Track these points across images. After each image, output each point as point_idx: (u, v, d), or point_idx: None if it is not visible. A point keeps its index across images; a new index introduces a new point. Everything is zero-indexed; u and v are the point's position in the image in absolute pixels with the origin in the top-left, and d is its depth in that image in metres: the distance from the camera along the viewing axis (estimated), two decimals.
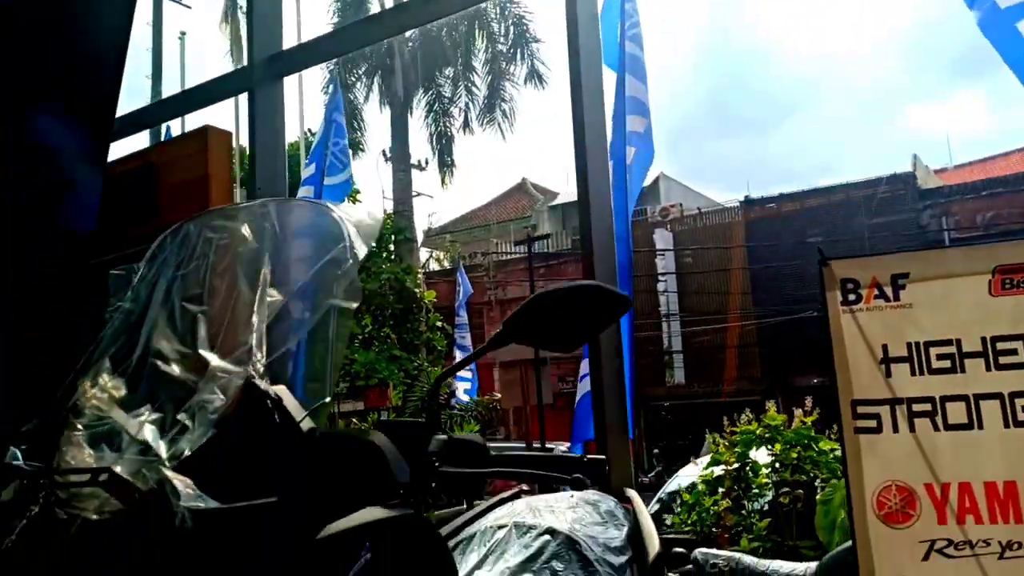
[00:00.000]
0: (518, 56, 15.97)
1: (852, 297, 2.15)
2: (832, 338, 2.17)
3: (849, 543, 3.97)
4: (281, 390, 0.97)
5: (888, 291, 2.13)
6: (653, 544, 1.82)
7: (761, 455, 4.89)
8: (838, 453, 4.67)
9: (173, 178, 2.67)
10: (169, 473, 0.89)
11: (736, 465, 4.80)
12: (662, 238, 15.26)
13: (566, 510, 1.54)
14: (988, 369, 2.02)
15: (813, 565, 3.95)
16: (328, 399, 1.08)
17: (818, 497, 4.33)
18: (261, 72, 3.09)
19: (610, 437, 2.38)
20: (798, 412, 4.76)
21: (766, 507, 4.73)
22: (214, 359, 1.01)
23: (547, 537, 1.38)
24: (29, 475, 1.01)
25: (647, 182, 6.37)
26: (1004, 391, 1.99)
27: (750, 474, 4.80)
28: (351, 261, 1.09)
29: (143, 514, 0.90)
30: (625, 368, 2.81)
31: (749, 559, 4.17)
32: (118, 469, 0.92)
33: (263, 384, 0.97)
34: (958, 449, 2.01)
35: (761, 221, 15.72)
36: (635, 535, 1.83)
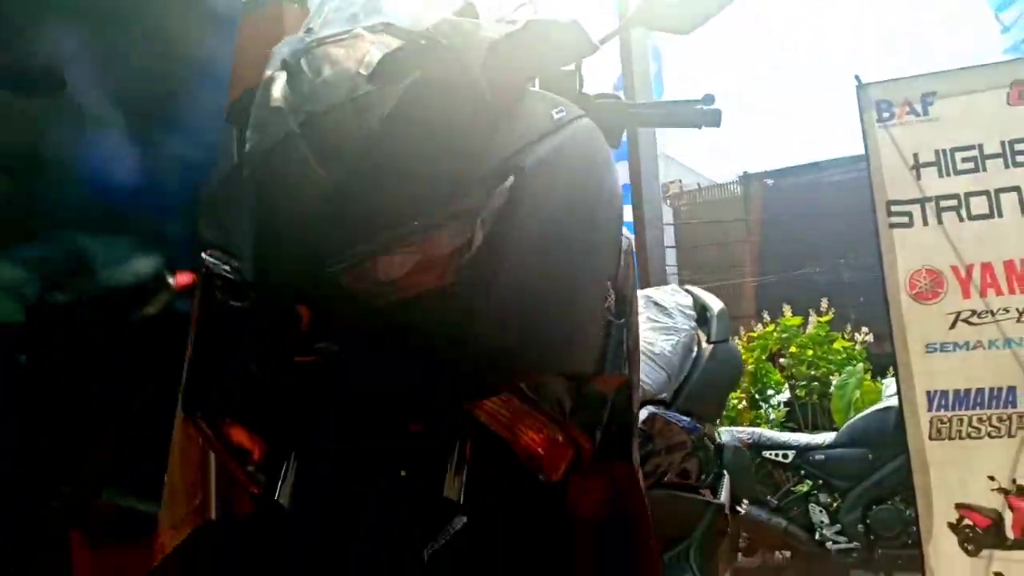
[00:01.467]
0: None
1: (886, 115, 2.45)
2: (868, 152, 2.46)
3: (870, 408, 4.28)
4: None
5: (918, 108, 2.42)
6: (716, 303, 2.11)
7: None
8: (852, 350, 4.99)
9: None
10: None
11: (753, 367, 5.10)
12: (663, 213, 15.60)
13: None
14: (1007, 167, 2.31)
15: (831, 435, 4.26)
16: None
17: (834, 382, 4.64)
18: None
19: None
20: (814, 316, 5.08)
21: (782, 405, 5.04)
22: None
23: None
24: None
25: None
26: (1021, 185, 2.29)
27: (766, 375, 5.09)
28: None
29: None
30: None
31: (770, 432, 4.48)
32: None
33: None
34: (980, 236, 2.30)
35: (759, 195, 16.02)
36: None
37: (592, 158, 1.09)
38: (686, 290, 2.21)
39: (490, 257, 0.94)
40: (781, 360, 5.04)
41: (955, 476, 2.17)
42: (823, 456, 4.11)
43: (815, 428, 4.77)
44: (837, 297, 6.11)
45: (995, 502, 2.13)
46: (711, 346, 1.98)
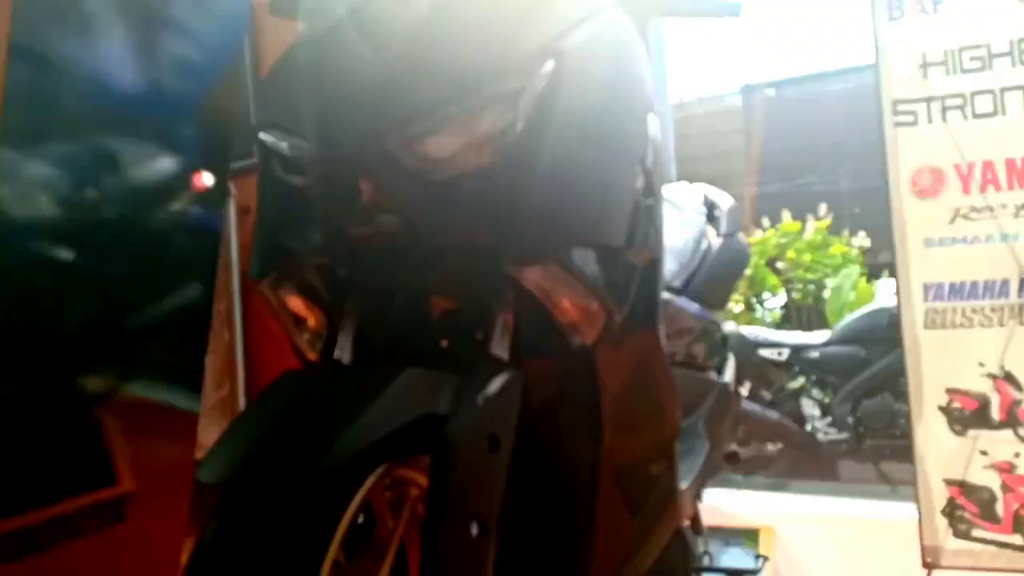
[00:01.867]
0: None
1: (897, 12, 2.46)
2: (877, 51, 2.49)
3: (865, 309, 4.42)
4: None
5: (928, 5, 2.43)
6: (726, 198, 2.17)
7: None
8: (848, 254, 5.11)
9: None
10: None
11: (750, 272, 5.20)
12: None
13: None
14: (1013, 65, 2.35)
15: (826, 334, 4.41)
16: None
17: (830, 284, 4.77)
18: None
19: None
20: (812, 220, 5.16)
21: (778, 308, 5.19)
22: None
23: None
24: None
25: None
26: None
27: (763, 280, 5.21)
28: None
29: None
30: None
31: (766, 331, 4.63)
32: None
33: None
34: (984, 134, 2.36)
35: (759, 107, 15.80)
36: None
37: (625, 44, 1.15)
38: (697, 187, 2.28)
39: (533, 137, 1.01)
40: (779, 264, 5.15)
41: (946, 363, 2.29)
42: (817, 354, 4.27)
43: (809, 329, 4.92)
44: (835, 205, 6.17)
45: (983, 387, 2.26)
46: (721, 239, 2.07)
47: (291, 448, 0.82)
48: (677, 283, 1.87)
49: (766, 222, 5.39)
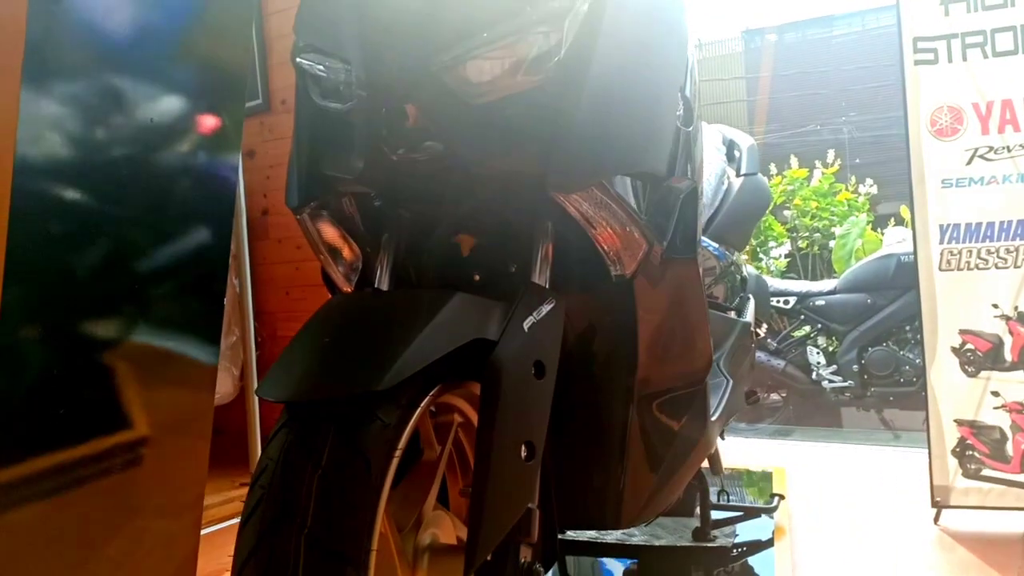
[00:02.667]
0: None
1: None
2: None
3: (872, 256, 4.42)
4: None
5: None
6: (746, 138, 2.15)
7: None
8: (855, 203, 5.10)
9: None
10: None
11: None
12: None
13: None
14: None
15: (832, 282, 4.42)
16: None
17: (836, 233, 4.77)
18: None
19: None
20: (820, 167, 5.13)
21: (783, 256, 5.20)
22: None
23: None
24: None
25: None
26: None
27: (769, 228, 5.20)
28: None
29: None
30: None
31: (773, 279, 4.64)
32: None
33: None
34: (1003, 72, 2.33)
35: (763, 52, 15.60)
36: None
37: None
38: (715, 127, 2.26)
39: (578, 60, 1.00)
40: (785, 212, 5.14)
41: (961, 304, 2.30)
42: (823, 302, 4.29)
43: (815, 278, 4.93)
44: (840, 153, 6.14)
45: (997, 328, 2.28)
46: (741, 178, 2.06)
47: (351, 368, 0.83)
48: None
49: (772, 168, 5.35)
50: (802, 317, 4.34)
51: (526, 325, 0.98)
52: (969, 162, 2.35)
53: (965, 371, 2.30)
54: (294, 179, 1.12)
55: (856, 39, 13.84)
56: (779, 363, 4.36)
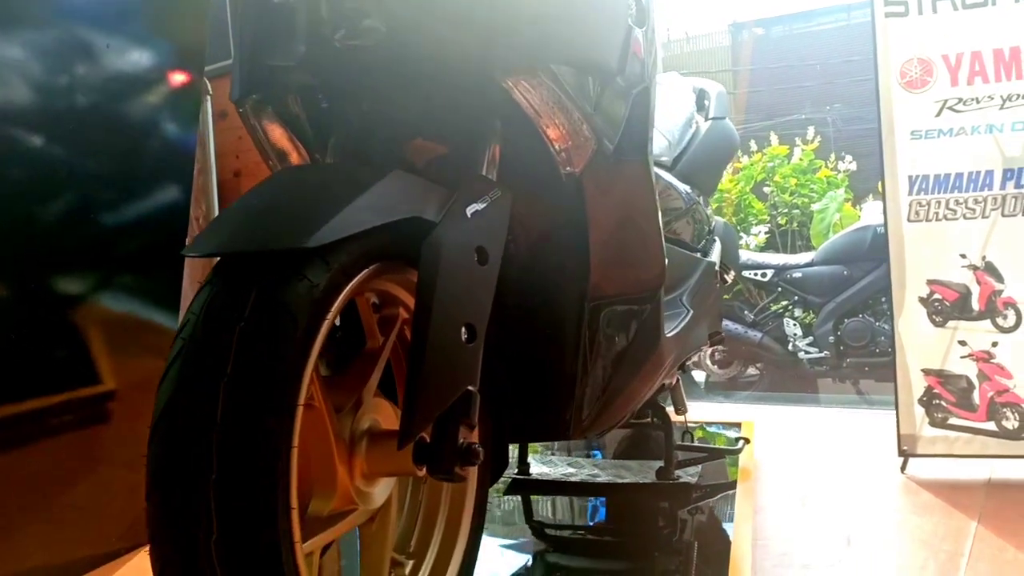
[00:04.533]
0: None
1: None
2: None
3: (849, 228, 4.43)
4: None
5: None
6: (714, 86, 2.15)
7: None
8: (833, 180, 5.11)
9: None
10: None
11: (736, 198, 5.21)
12: None
13: None
14: None
15: (809, 255, 4.43)
16: None
17: (815, 208, 4.79)
18: None
19: None
20: (800, 144, 5.14)
21: (763, 234, 5.21)
22: None
23: None
24: None
25: None
26: None
27: (749, 206, 5.21)
28: None
29: None
30: None
31: (750, 252, 4.65)
32: None
33: None
34: (973, 24, 2.34)
35: (748, 45, 15.65)
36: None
37: None
38: (687, 78, 2.26)
39: None
40: (765, 189, 5.15)
41: (929, 254, 2.31)
42: (800, 274, 4.30)
43: (792, 253, 4.95)
44: (824, 140, 6.15)
45: (964, 278, 2.28)
46: (709, 122, 2.05)
47: (281, 226, 0.81)
48: (666, 159, 1.86)
49: (753, 146, 5.36)
50: (779, 290, 4.36)
51: (469, 211, 0.97)
52: (938, 113, 2.35)
53: (933, 321, 2.31)
54: (236, 72, 1.10)
55: (842, 31, 13.87)
56: (756, 335, 4.38)
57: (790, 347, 4.32)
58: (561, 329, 1.20)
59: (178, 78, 2.10)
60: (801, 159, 5.06)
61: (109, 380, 1.90)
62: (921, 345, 2.32)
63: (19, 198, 1.69)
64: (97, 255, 1.87)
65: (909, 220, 2.34)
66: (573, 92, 1.05)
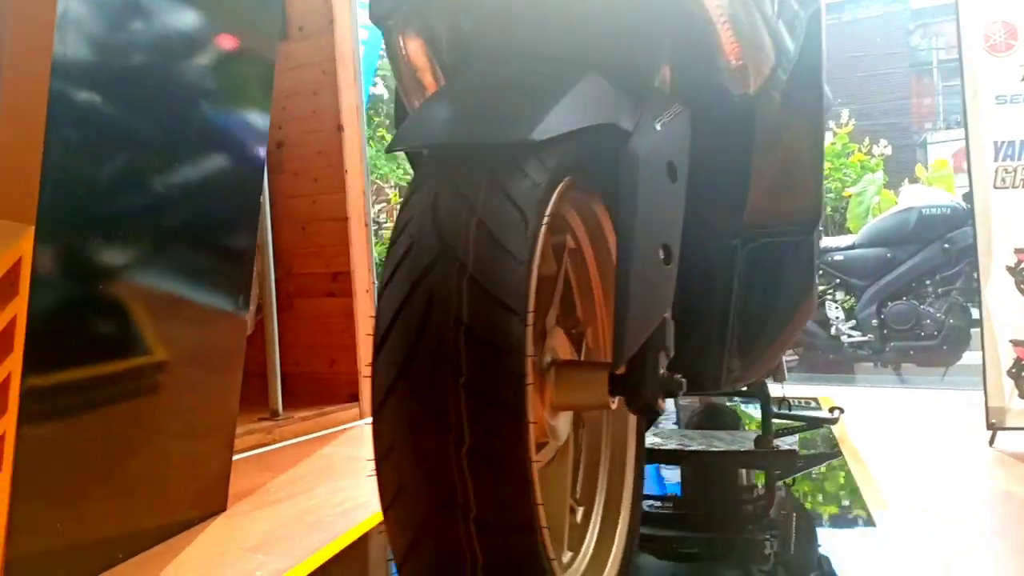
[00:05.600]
0: None
1: None
2: None
3: (892, 210, 4.36)
4: None
5: None
6: None
7: None
8: (868, 164, 5.05)
9: None
10: None
11: None
12: None
13: None
14: None
15: (851, 237, 4.36)
16: None
17: (850, 191, 4.72)
18: None
19: None
20: (835, 127, 5.08)
21: None
22: None
23: None
24: None
25: None
26: None
27: None
28: None
29: None
30: None
31: None
32: None
33: None
34: None
35: None
36: None
37: None
38: None
39: None
40: None
41: (1017, 222, 2.24)
42: (842, 256, 4.23)
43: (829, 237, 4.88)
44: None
45: None
46: None
47: (499, 118, 0.73)
48: None
49: None
50: (820, 273, 4.28)
51: (658, 124, 0.90)
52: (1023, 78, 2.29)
53: (1020, 289, 2.24)
54: None
55: (886, 19, 13.71)
56: None
57: (832, 331, 4.24)
58: (712, 266, 1.13)
59: (237, 42, 2.03)
60: (834, 142, 5.00)
61: (162, 352, 1.83)
62: (1009, 315, 2.25)
63: (89, 163, 1.62)
64: (152, 223, 1.80)
65: (995, 187, 2.27)
66: (756, 4, 0.98)
